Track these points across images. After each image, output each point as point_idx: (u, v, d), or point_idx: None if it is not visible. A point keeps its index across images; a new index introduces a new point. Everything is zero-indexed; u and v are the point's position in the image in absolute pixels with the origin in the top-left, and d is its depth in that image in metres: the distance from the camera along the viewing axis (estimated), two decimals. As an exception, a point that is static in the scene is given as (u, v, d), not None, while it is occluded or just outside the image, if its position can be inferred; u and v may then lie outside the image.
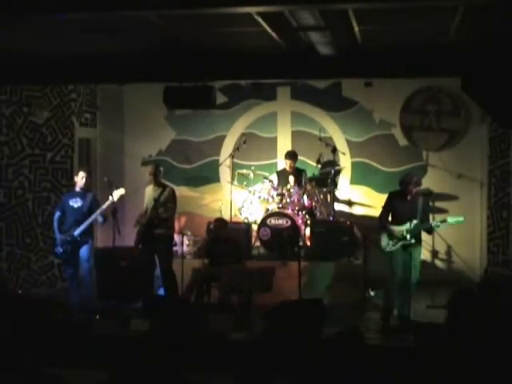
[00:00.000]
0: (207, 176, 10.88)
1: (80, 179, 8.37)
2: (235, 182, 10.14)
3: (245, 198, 9.92)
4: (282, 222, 9.33)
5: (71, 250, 8.28)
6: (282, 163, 10.68)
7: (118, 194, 8.33)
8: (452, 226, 9.72)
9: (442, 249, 10.40)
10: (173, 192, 8.61)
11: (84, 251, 8.32)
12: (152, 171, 8.62)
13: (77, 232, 8.23)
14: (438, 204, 10.16)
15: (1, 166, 9.06)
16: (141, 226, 8.49)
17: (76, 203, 8.36)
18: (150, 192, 8.67)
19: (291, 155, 10.02)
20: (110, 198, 8.26)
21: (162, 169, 8.74)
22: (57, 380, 3.82)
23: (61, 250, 8.31)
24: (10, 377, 3.66)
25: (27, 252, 9.47)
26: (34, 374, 3.72)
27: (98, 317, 8.07)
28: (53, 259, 9.91)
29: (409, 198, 7.85)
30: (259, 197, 9.72)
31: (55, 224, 8.43)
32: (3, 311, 6.36)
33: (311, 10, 5.87)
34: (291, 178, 9.70)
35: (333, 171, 9.95)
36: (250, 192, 9.84)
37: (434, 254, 10.39)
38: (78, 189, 8.43)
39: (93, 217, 8.25)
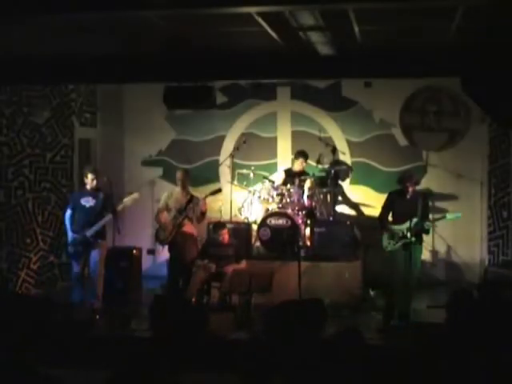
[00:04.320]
0: (207, 176, 10.87)
1: (90, 181, 8.28)
2: (235, 182, 10.14)
3: (245, 198, 9.91)
4: (282, 221, 9.32)
5: (82, 250, 8.25)
6: (283, 163, 10.69)
7: (131, 198, 8.34)
8: (452, 226, 9.79)
9: (441, 249, 10.40)
10: (203, 200, 8.79)
11: (95, 253, 8.25)
12: (181, 177, 8.91)
13: (89, 232, 8.19)
14: (438, 204, 10.16)
15: (1, 166, 9.05)
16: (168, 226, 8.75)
17: (88, 203, 8.30)
18: (177, 195, 8.91)
19: (304, 154, 10.00)
20: (124, 201, 8.25)
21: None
22: (57, 380, 3.82)
23: (71, 250, 8.28)
24: (9, 376, 3.66)
25: (27, 252, 9.46)
26: (34, 374, 3.72)
27: (97, 317, 8.07)
28: (53, 259, 9.91)
29: (408, 196, 7.87)
30: (259, 197, 9.71)
31: (68, 223, 8.35)
32: (3, 311, 6.36)
33: (311, 10, 5.87)
34: (296, 181, 9.68)
35: (333, 171, 9.96)
36: (249, 192, 9.84)
37: (434, 253, 10.39)
38: (88, 188, 8.38)
39: (106, 219, 8.21)
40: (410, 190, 7.83)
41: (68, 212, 8.42)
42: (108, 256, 8.70)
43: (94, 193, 8.33)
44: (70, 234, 8.30)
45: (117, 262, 9.04)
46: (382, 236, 7.96)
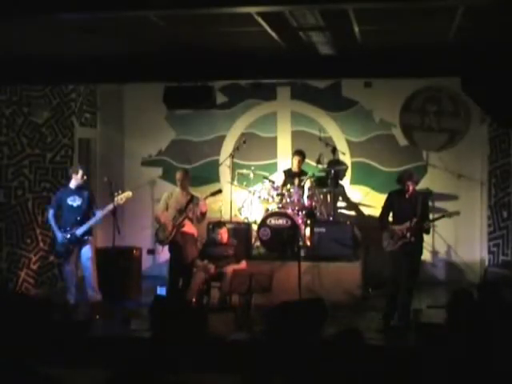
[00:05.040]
0: (207, 176, 10.88)
1: (80, 177, 8.37)
2: (235, 182, 10.14)
3: (245, 198, 9.92)
4: (282, 221, 9.32)
5: (72, 249, 8.28)
6: (283, 163, 10.69)
7: (124, 196, 8.34)
8: (452, 226, 9.79)
9: (441, 249, 10.40)
10: (203, 201, 8.76)
11: (86, 250, 8.32)
12: (181, 177, 8.87)
13: (79, 231, 8.22)
14: (438, 204, 10.16)
15: (1, 166, 9.05)
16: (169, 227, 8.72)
17: (74, 201, 8.34)
18: (177, 196, 8.88)
19: (300, 153, 10.03)
20: (116, 200, 8.25)
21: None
22: (57, 380, 3.82)
23: (62, 249, 8.30)
24: (10, 376, 3.66)
25: (27, 252, 9.46)
26: (34, 374, 3.72)
27: (97, 317, 8.07)
28: (53, 259, 9.90)
29: (408, 196, 7.85)
30: (259, 197, 9.71)
31: (53, 222, 8.40)
32: (3, 311, 6.36)
33: (311, 9, 5.87)
34: (296, 181, 9.68)
35: (333, 171, 9.97)
36: (250, 192, 9.84)
37: (434, 253, 10.39)
38: (73, 186, 8.40)
39: (96, 217, 8.25)
40: (411, 188, 7.81)
41: (51, 212, 8.45)
42: (108, 256, 8.71)
43: (79, 191, 8.38)
44: (58, 234, 8.32)
45: (117, 262, 9.04)
46: (382, 236, 7.96)
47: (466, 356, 4.27)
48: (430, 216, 8.40)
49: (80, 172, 8.41)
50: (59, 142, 10.11)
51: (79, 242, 8.28)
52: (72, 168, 8.79)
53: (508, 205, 9.96)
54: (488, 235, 10.24)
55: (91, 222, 8.27)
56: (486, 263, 10.16)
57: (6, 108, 9.07)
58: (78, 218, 8.27)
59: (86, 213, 8.31)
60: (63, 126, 10.19)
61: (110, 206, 8.20)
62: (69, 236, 8.25)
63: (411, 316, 7.83)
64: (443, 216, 8.33)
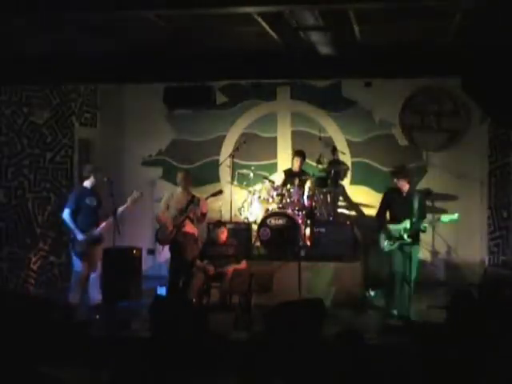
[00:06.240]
0: (207, 176, 10.88)
1: (96, 178, 8.36)
2: (235, 182, 10.14)
3: (245, 198, 9.91)
4: (282, 221, 9.31)
5: (89, 250, 8.27)
6: (283, 163, 10.69)
7: (134, 197, 8.37)
8: (452, 226, 9.77)
9: (441, 249, 10.40)
10: (204, 201, 8.79)
11: (99, 252, 8.38)
12: (182, 178, 8.89)
13: (97, 232, 8.23)
14: (438, 204, 10.16)
15: (1, 166, 9.04)
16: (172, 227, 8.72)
17: (92, 202, 8.30)
18: (178, 196, 8.89)
19: (301, 153, 10.03)
20: (128, 200, 8.29)
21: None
22: (56, 380, 3.82)
23: (81, 249, 8.25)
24: (10, 376, 3.65)
25: (27, 252, 9.46)
26: (34, 374, 3.72)
27: (97, 317, 8.06)
28: (53, 259, 9.90)
29: (405, 195, 7.85)
30: (259, 197, 9.71)
31: (71, 222, 8.24)
32: (3, 311, 6.36)
33: (311, 9, 5.87)
34: (296, 181, 9.68)
35: (333, 171, 9.97)
36: (249, 192, 9.84)
37: (434, 254, 10.39)
38: (89, 186, 8.39)
39: (112, 218, 8.25)
40: (401, 184, 7.82)
41: (67, 211, 8.33)
42: (108, 256, 8.70)
43: (94, 192, 8.38)
44: (78, 234, 8.23)
45: (117, 262, 9.04)
46: (379, 236, 7.96)
47: (465, 356, 4.27)
48: (430, 216, 8.40)
49: (98, 175, 8.38)
50: (59, 142, 10.11)
51: (95, 242, 8.29)
52: (89, 167, 8.67)
53: (508, 205, 9.96)
54: (488, 235, 10.25)
55: (108, 222, 8.28)
56: (486, 263, 10.16)
57: (6, 108, 9.07)
58: (95, 219, 8.28)
59: (98, 214, 8.35)
60: (63, 126, 10.19)
61: (124, 207, 8.25)
62: (87, 236, 8.23)
63: (411, 316, 7.83)
64: (438, 219, 8.27)
